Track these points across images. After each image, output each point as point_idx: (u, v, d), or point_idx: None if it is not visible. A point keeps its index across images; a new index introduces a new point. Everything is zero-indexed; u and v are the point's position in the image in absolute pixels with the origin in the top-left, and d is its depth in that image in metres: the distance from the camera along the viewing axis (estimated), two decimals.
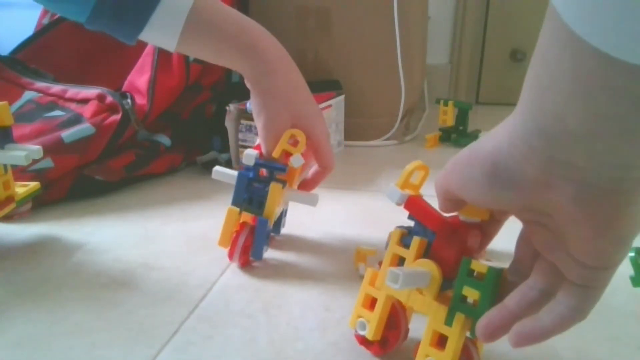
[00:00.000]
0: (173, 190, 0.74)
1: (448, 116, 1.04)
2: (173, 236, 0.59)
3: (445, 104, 1.04)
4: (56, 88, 0.78)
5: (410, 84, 1.02)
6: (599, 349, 0.39)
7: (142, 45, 0.83)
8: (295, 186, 0.54)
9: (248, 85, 0.50)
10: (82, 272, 0.51)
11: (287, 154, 0.49)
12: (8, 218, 0.62)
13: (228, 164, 0.78)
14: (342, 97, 0.94)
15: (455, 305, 0.32)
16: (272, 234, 0.57)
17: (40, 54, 0.90)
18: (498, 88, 1.52)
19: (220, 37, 0.48)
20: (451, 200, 0.31)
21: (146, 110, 0.76)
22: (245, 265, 0.51)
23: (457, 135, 1.02)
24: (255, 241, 0.49)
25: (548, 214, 0.26)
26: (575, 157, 0.22)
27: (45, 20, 0.96)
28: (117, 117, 0.72)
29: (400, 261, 0.36)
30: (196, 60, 0.82)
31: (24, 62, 0.85)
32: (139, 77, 0.79)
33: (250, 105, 0.51)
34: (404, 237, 0.36)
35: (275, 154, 0.49)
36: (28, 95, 0.78)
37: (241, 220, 0.50)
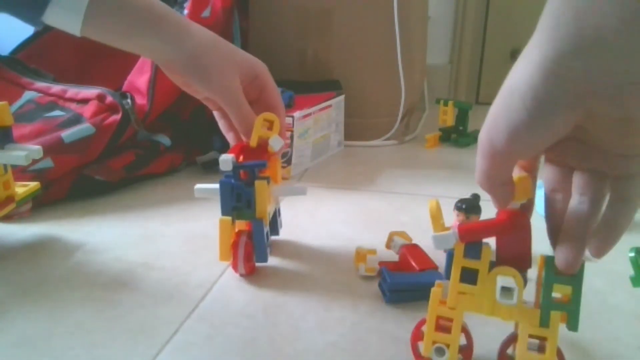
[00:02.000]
0: (173, 190, 0.74)
1: (448, 116, 1.04)
2: (173, 236, 0.59)
3: (445, 104, 1.04)
4: (56, 88, 0.78)
5: (410, 84, 1.02)
6: (599, 349, 0.39)
7: None
8: (279, 181, 0.53)
9: (168, 63, 0.47)
10: (82, 272, 0.51)
11: (264, 141, 0.49)
12: (8, 218, 0.62)
13: None
14: (342, 97, 0.94)
15: (548, 305, 0.32)
16: (270, 235, 0.57)
17: (40, 54, 0.90)
18: (498, 88, 1.50)
19: (130, 15, 0.45)
20: (501, 160, 0.29)
21: (146, 110, 0.76)
22: (252, 272, 0.50)
23: (457, 135, 1.02)
24: (256, 245, 0.48)
25: (583, 128, 0.27)
26: (616, 64, 0.22)
27: None
28: (117, 117, 0.72)
29: (466, 273, 0.34)
30: None
31: (24, 62, 0.85)
32: (139, 77, 0.79)
33: (170, 72, 0.49)
34: (470, 248, 0.34)
35: (252, 142, 0.49)
36: (28, 95, 0.78)
37: (237, 230, 0.49)
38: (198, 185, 0.49)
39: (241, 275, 0.49)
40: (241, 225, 0.50)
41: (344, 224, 0.63)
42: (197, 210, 0.65)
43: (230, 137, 0.53)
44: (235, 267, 0.49)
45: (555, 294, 0.32)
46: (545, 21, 0.24)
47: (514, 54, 1.48)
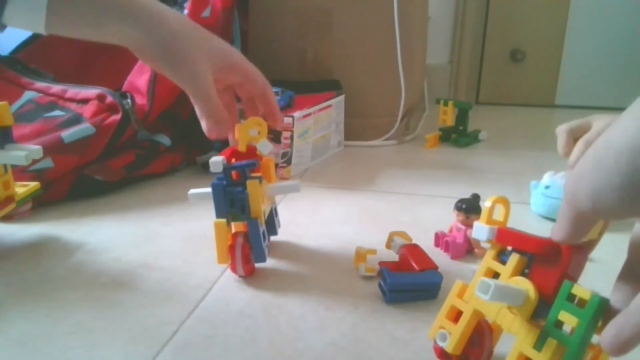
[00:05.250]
0: (173, 190, 0.74)
1: (448, 116, 1.04)
2: (173, 236, 0.59)
3: (445, 104, 1.04)
4: (56, 88, 0.78)
5: (410, 84, 1.02)
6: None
7: None
8: (273, 180, 0.53)
9: (143, 52, 0.45)
10: (82, 272, 0.51)
11: (252, 147, 0.50)
12: (8, 218, 0.62)
13: None
14: (342, 97, 0.94)
15: (548, 330, 0.29)
16: (269, 235, 0.56)
17: (40, 54, 0.90)
18: (498, 88, 1.52)
19: (95, 6, 0.42)
20: (580, 218, 0.26)
21: (146, 110, 0.76)
22: (252, 273, 0.50)
23: (457, 135, 1.02)
24: (253, 246, 0.48)
25: None
26: None
27: None
28: (117, 117, 0.72)
29: (494, 277, 0.33)
30: None
31: (24, 62, 0.85)
32: (139, 77, 0.79)
33: (144, 58, 0.46)
34: (502, 252, 0.34)
35: (241, 147, 0.49)
36: (28, 95, 0.78)
37: (234, 231, 0.50)
38: (191, 191, 0.49)
39: (240, 276, 0.49)
40: (238, 226, 0.50)
41: (344, 224, 0.63)
42: (197, 210, 0.65)
43: (203, 124, 0.49)
44: (234, 269, 0.49)
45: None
46: None
47: (513, 54, 1.48)
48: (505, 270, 0.33)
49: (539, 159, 0.91)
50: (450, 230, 0.56)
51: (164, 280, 0.49)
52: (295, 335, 0.41)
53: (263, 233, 0.48)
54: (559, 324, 0.29)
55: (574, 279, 0.30)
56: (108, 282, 0.49)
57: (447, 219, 0.57)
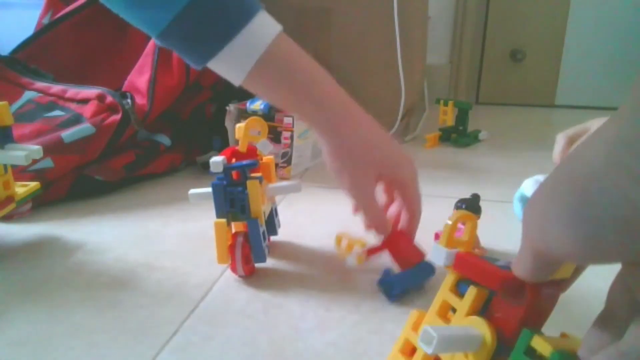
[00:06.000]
0: (173, 190, 0.74)
1: (448, 116, 1.04)
2: (173, 236, 0.59)
3: (445, 104, 1.04)
4: (56, 88, 0.78)
5: (410, 84, 1.02)
6: None
7: (142, 45, 0.83)
8: (273, 180, 0.54)
9: (319, 139, 0.47)
10: (82, 272, 0.51)
11: (252, 147, 0.50)
12: (8, 218, 0.62)
13: None
14: None
15: None
16: (269, 235, 0.56)
17: (40, 54, 0.90)
18: (498, 88, 1.52)
19: (294, 84, 0.45)
20: (539, 254, 0.22)
21: (146, 110, 0.76)
22: (252, 273, 0.50)
23: (457, 135, 1.02)
24: (253, 245, 0.48)
25: None
26: None
27: (45, 20, 0.96)
28: (117, 117, 0.72)
29: (452, 311, 0.30)
30: None
31: (24, 62, 0.85)
32: (139, 77, 0.80)
33: (324, 156, 0.48)
34: (460, 282, 0.30)
35: (242, 148, 0.50)
36: (28, 95, 0.78)
37: (234, 231, 0.49)
38: (192, 191, 0.49)
39: (240, 276, 0.49)
40: (238, 226, 0.50)
41: (344, 224, 0.63)
42: (197, 210, 0.65)
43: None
44: (234, 269, 0.49)
45: None
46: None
47: (513, 54, 1.48)
48: (462, 305, 0.28)
49: (539, 159, 0.91)
50: None
51: (164, 280, 0.49)
52: (295, 335, 0.41)
53: (263, 233, 0.48)
54: None
55: (539, 320, 0.27)
56: (108, 282, 0.49)
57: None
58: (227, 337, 0.40)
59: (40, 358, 0.38)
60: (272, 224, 0.56)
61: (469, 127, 1.03)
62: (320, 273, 0.51)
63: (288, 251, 0.55)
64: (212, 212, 0.47)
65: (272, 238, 0.57)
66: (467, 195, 0.57)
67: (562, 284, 0.26)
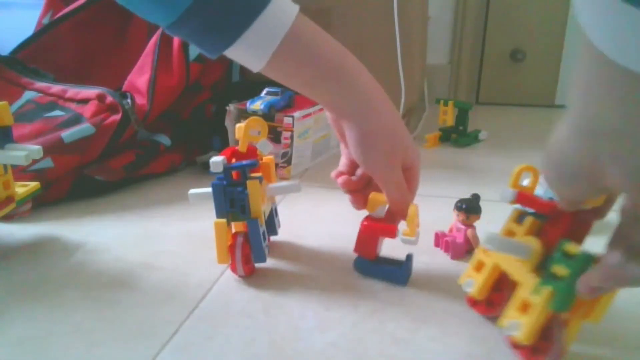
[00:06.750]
0: (173, 190, 0.74)
1: (448, 116, 1.04)
2: (173, 236, 0.59)
3: (445, 104, 1.04)
4: (56, 88, 0.78)
5: (410, 84, 1.02)
6: (599, 349, 0.39)
7: (142, 45, 0.83)
8: (273, 180, 0.53)
9: (344, 124, 0.44)
10: (82, 272, 0.51)
11: (252, 147, 0.50)
12: (8, 218, 0.62)
13: None
14: None
15: (545, 279, 0.35)
16: (269, 235, 0.56)
17: (40, 54, 0.90)
18: (498, 88, 1.52)
19: (319, 66, 0.41)
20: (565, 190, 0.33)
21: (146, 110, 0.76)
22: (252, 273, 0.50)
23: (457, 135, 1.02)
24: (253, 245, 0.48)
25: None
26: (618, 150, 0.27)
27: (45, 20, 0.96)
28: (117, 117, 0.72)
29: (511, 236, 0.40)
30: (196, 60, 0.82)
31: (24, 62, 0.85)
32: (139, 77, 0.80)
33: (346, 147, 0.47)
34: (520, 217, 0.40)
35: (242, 148, 0.50)
36: (28, 95, 0.78)
37: (234, 231, 0.49)
38: (192, 191, 0.49)
39: (240, 276, 0.49)
40: (238, 226, 0.50)
41: (344, 224, 0.63)
42: (197, 210, 0.65)
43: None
44: (234, 269, 0.49)
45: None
46: (571, 98, 0.29)
47: (513, 54, 1.48)
48: (520, 229, 0.39)
49: (539, 159, 0.91)
50: (450, 230, 0.56)
51: (164, 280, 0.49)
52: (295, 335, 0.41)
53: (263, 233, 0.48)
54: (555, 275, 0.35)
55: (577, 238, 0.36)
56: (108, 282, 0.49)
57: (447, 219, 0.57)
58: (227, 337, 0.40)
59: (40, 358, 0.38)
60: (272, 224, 0.56)
61: (469, 127, 1.03)
62: (320, 273, 0.51)
63: (288, 251, 0.55)
64: (212, 212, 0.47)
65: (272, 238, 0.57)
66: (467, 195, 0.57)
67: (598, 211, 0.36)
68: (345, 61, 0.42)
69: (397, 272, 0.48)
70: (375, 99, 0.44)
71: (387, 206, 0.48)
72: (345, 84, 0.42)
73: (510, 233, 0.40)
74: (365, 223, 0.48)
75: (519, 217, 0.40)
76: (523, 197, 0.39)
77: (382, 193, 0.47)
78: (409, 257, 0.49)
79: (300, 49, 0.40)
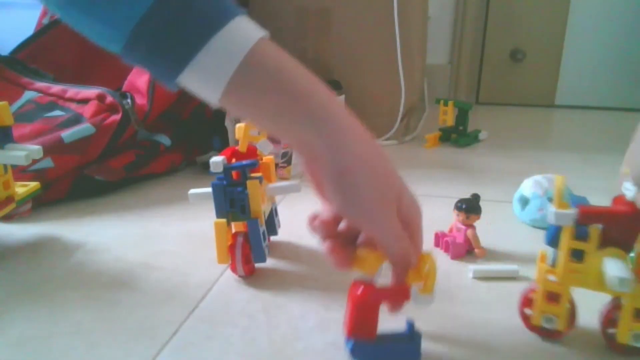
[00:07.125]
0: (173, 190, 0.74)
1: (448, 116, 1.04)
2: (173, 236, 0.59)
3: (445, 104, 1.04)
4: (56, 88, 0.78)
5: (410, 84, 1.02)
6: (599, 348, 0.39)
7: None
8: (273, 180, 0.53)
9: (317, 166, 0.37)
10: (82, 272, 0.51)
11: (252, 147, 0.50)
12: (8, 218, 0.62)
13: None
14: (342, 97, 0.94)
15: None
16: (269, 235, 0.56)
17: (40, 54, 0.90)
18: (498, 88, 1.52)
19: (285, 95, 0.35)
20: None
21: (146, 110, 0.76)
22: (252, 273, 0.50)
23: (457, 135, 1.02)
24: (253, 245, 0.48)
25: None
26: None
27: (45, 20, 0.96)
28: (117, 117, 0.72)
29: (574, 252, 0.38)
30: None
31: (24, 62, 0.85)
32: (139, 77, 0.79)
33: (326, 200, 0.39)
34: (576, 228, 0.38)
35: (242, 148, 0.50)
36: (28, 95, 0.78)
37: (234, 231, 0.49)
38: (192, 191, 0.49)
39: (240, 276, 0.49)
40: (238, 226, 0.50)
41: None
42: (197, 210, 0.65)
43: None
44: (234, 269, 0.49)
45: None
46: None
47: (513, 54, 1.48)
48: (589, 245, 0.37)
49: (539, 158, 0.91)
50: (450, 230, 0.56)
51: (164, 280, 0.49)
52: (295, 335, 0.41)
53: (263, 233, 0.48)
54: None
55: None
56: (108, 282, 0.49)
57: (447, 219, 0.57)
58: (227, 337, 0.40)
59: (40, 358, 0.38)
60: (272, 224, 0.56)
61: (469, 127, 1.03)
62: (320, 273, 0.51)
63: (288, 251, 0.55)
64: (212, 212, 0.47)
65: (272, 238, 0.57)
66: (467, 195, 0.57)
67: None
68: (315, 90, 0.36)
69: (411, 349, 0.38)
70: (352, 131, 0.36)
71: (384, 265, 0.38)
72: (314, 115, 0.35)
73: (568, 251, 0.38)
74: (361, 292, 0.36)
75: (576, 232, 0.37)
76: (587, 213, 0.37)
77: (374, 250, 0.37)
78: (411, 325, 0.39)
79: (262, 75, 0.35)
